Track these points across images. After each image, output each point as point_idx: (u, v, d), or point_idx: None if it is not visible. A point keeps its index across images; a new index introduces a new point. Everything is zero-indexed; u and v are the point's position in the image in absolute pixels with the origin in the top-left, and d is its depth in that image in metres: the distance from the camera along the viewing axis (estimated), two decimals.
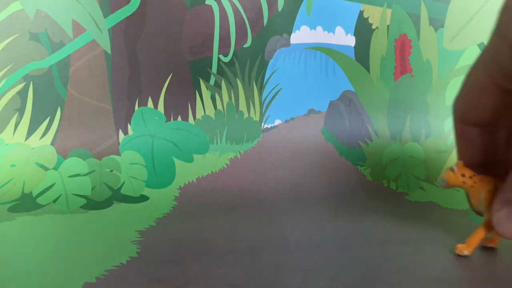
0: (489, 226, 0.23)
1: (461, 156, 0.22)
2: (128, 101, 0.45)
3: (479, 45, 0.49)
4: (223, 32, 0.47)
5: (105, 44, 0.44)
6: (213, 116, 0.47)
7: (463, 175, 0.22)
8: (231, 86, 0.48)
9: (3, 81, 0.41)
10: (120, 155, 0.43)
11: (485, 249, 0.25)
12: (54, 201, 0.37)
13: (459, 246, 0.24)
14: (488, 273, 0.22)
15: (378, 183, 0.44)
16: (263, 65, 0.49)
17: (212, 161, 0.45)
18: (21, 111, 0.42)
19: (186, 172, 0.43)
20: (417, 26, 0.50)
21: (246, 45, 0.48)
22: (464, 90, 0.19)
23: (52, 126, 0.43)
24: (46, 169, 0.40)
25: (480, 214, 0.24)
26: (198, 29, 0.46)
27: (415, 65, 0.50)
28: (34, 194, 0.38)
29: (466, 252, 0.23)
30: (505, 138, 0.22)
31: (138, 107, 0.45)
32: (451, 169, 0.23)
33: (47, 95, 0.43)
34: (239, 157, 0.46)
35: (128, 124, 0.44)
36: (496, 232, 0.24)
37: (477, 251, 0.25)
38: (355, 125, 0.50)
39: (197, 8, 0.46)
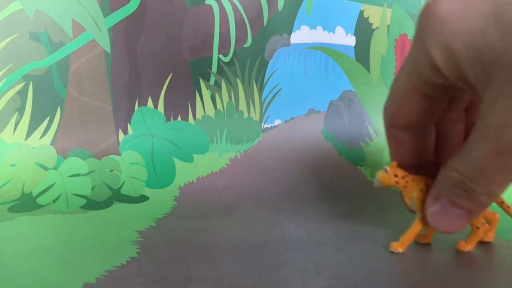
0: (421, 224, 0.23)
1: (393, 157, 0.23)
2: (128, 101, 0.45)
3: None
4: (223, 32, 0.47)
5: (105, 44, 0.44)
6: (213, 116, 0.47)
7: (396, 176, 0.23)
8: (231, 86, 0.48)
9: (3, 81, 0.41)
10: (120, 155, 0.43)
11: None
12: (54, 201, 0.37)
13: (393, 244, 0.24)
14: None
15: None
16: (263, 65, 0.49)
17: (212, 161, 0.44)
18: (21, 111, 0.42)
19: (186, 172, 0.43)
20: None
21: (246, 45, 0.48)
22: (391, 96, 0.20)
23: (52, 126, 0.43)
24: (46, 169, 0.40)
25: (413, 212, 0.24)
26: (198, 29, 0.46)
27: None
28: (34, 194, 0.38)
29: (400, 250, 0.24)
30: (434, 140, 0.22)
31: (138, 107, 0.45)
32: (385, 170, 0.23)
33: (47, 95, 0.43)
34: (239, 157, 0.46)
35: (128, 124, 0.44)
36: (430, 228, 0.25)
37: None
38: (355, 125, 0.50)
39: (197, 8, 0.46)
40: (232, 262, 0.24)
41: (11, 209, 0.35)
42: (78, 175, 0.40)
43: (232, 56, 0.48)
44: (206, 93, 0.47)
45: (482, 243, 0.26)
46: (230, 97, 0.48)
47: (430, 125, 0.21)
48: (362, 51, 0.51)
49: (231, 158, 0.46)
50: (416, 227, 0.24)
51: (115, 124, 0.44)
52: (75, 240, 0.28)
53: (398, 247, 0.24)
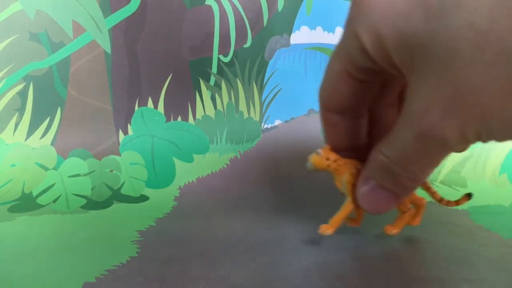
0: (351, 207, 0.23)
1: (327, 141, 0.23)
2: (128, 101, 0.45)
3: None
4: (223, 32, 0.47)
5: (105, 44, 0.44)
6: (213, 116, 0.47)
7: (327, 159, 0.23)
8: (231, 86, 0.48)
9: (3, 81, 0.42)
10: (120, 155, 0.43)
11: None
12: (54, 201, 0.37)
13: (322, 226, 0.24)
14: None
15: None
16: (263, 65, 0.49)
17: (212, 161, 0.45)
18: (21, 111, 0.42)
19: (186, 172, 0.43)
20: None
21: (246, 45, 0.48)
22: (324, 79, 0.20)
23: (52, 126, 0.43)
24: (46, 169, 0.40)
25: (344, 195, 0.24)
26: (198, 29, 0.46)
27: None
28: (34, 194, 0.38)
29: (328, 232, 0.24)
30: (367, 124, 0.23)
31: (138, 107, 0.45)
32: (317, 153, 0.24)
33: (47, 95, 0.43)
34: (239, 157, 0.46)
35: (128, 124, 0.44)
36: (359, 211, 0.26)
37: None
38: None
39: (197, 8, 0.46)
40: (232, 262, 0.24)
41: (11, 209, 0.35)
42: (78, 175, 0.40)
43: (232, 57, 0.48)
44: (206, 93, 0.47)
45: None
46: (230, 98, 0.48)
47: (363, 109, 0.21)
48: None
49: (231, 158, 0.46)
50: (345, 210, 0.24)
51: (115, 124, 0.44)
52: (75, 240, 0.28)
53: (327, 229, 0.24)
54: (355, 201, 0.23)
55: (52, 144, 0.42)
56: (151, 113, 0.45)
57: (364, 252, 0.25)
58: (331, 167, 0.23)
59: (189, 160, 0.44)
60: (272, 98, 0.50)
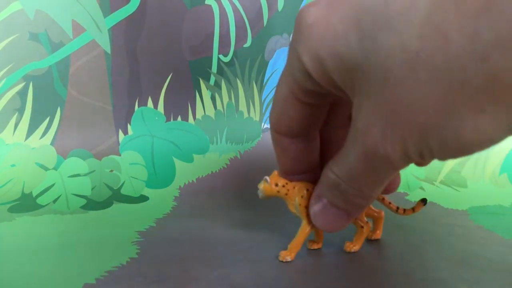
0: (308, 229, 0.23)
1: (279, 164, 0.23)
2: (128, 101, 0.45)
3: None
4: (223, 32, 0.47)
5: (105, 44, 0.44)
6: (213, 116, 0.47)
7: (276, 185, 0.24)
8: (231, 86, 0.48)
9: (3, 81, 0.41)
10: (120, 155, 0.43)
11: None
12: (54, 201, 0.37)
13: (282, 252, 0.24)
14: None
15: None
16: (263, 65, 0.49)
17: (212, 161, 0.44)
18: (21, 111, 0.42)
19: (186, 172, 0.43)
20: None
21: (246, 45, 0.48)
22: (274, 102, 0.20)
23: (52, 126, 0.43)
24: (46, 169, 0.40)
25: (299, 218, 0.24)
26: (198, 29, 0.46)
27: None
28: (34, 194, 0.38)
29: (288, 258, 0.24)
30: (319, 146, 0.22)
31: (138, 107, 0.45)
32: (265, 180, 0.24)
33: (47, 95, 0.43)
34: (239, 157, 0.46)
35: (128, 124, 0.44)
36: (318, 233, 0.25)
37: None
38: None
39: (197, 8, 0.46)
40: (232, 262, 0.24)
41: (11, 209, 0.35)
42: (78, 175, 0.40)
43: (232, 56, 0.48)
44: (206, 93, 0.47)
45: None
46: (230, 97, 0.48)
47: (314, 132, 0.21)
48: None
49: (231, 158, 0.46)
50: (302, 233, 0.24)
51: (115, 124, 0.44)
52: (75, 240, 0.28)
53: (287, 255, 0.24)
54: (310, 221, 0.23)
55: (52, 144, 0.42)
56: (151, 113, 0.45)
57: (364, 252, 0.25)
58: (281, 192, 0.24)
59: (189, 160, 0.44)
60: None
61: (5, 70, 0.42)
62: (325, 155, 0.23)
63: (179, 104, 0.46)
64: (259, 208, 0.36)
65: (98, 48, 0.44)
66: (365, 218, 0.25)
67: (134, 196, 0.39)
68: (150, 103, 0.45)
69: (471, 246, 0.26)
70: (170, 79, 0.46)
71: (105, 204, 0.37)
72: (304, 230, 0.24)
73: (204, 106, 0.47)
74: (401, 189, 0.43)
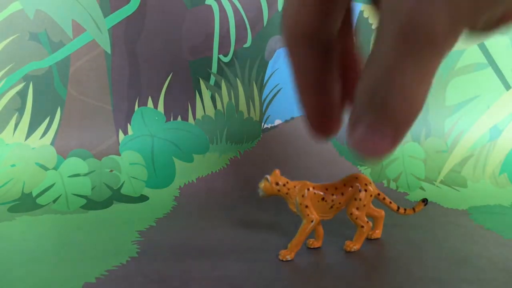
0: (308, 229, 0.24)
1: (294, 82, 0.21)
2: (128, 101, 0.45)
3: (479, 45, 0.49)
4: (223, 32, 0.47)
5: (105, 44, 0.44)
6: (213, 116, 0.47)
7: (277, 184, 0.24)
8: (231, 86, 0.48)
9: (3, 81, 0.41)
10: (120, 155, 0.43)
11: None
12: (54, 201, 0.37)
13: (282, 252, 0.24)
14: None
15: (378, 183, 0.44)
16: (263, 65, 0.49)
17: (212, 161, 0.44)
18: (21, 111, 0.42)
19: (186, 172, 0.43)
20: None
21: (246, 45, 0.48)
22: (287, 1, 0.18)
23: (52, 126, 0.43)
24: (46, 169, 0.40)
25: (299, 216, 0.24)
26: (198, 29, 0.46)
27: None
28: (34, 194, 0.38)
29: (288, 257, 0.24)
30: (338, 62, 0.20)
31: (138, 107, 0.45)
32: (266, 179, 0.24)
33: (47, 95, 0.43)
34: (239, 157, 0.46)
35: (128, 124, 0.44)
36: (319, 231, 0.25)
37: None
38: None
39: (197, 8, 0.46)
40: (232, 262, 0.23)
41: (11, 209, 0.35)
42: (78, 175, 0.40)
43: (232, 56, 0.48)
44: (206, 93, 0.47)
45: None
46: (230, 97, 0.48)
47: (333, 36, 0.19)
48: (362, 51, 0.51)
49: (231, 158, 0.46)
50: (302, 233, 0.24)
51: (115, 124, 0.44)
52: (75, 240, 0.28)
53: (287, 254, 0.24)
54: (310, 220, 0.23)
55: (52, 144, 0.42)
56: (151, 113, 0.45)
57: (364, 252, 0.25)
58: (281, 191, 0.24)
59: (189, 160, 0.44)
60: (272, 98, 0.50)
61: (5, 70, 0.42)
62: (349, 78, 0.21)
63: (179, 104, 0.46)
64: (259, 208, 0.36)
65: (98, 48, 0.44)
66: (366, 218, 0.25)
67: (134, 196, 0.39)
68: (150, 103, 0.45)
69: (471, 246, 0.26)
70: (170, 79, 0.46)
71: (105, 204, 0.37)
72: (304, 229, 0.24)
73: (204, 106, 0.47)
74: (401, 189, 0.43)
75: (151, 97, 0.45)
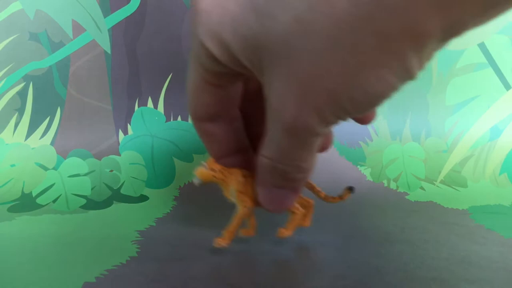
0: (243, 216, 0.24)
1: (208, 151, 0.23)
2: (128, 101, 0.45)
3: (479, 45, 0.49)
4: None
5: (105, 44, 0.44)
6: None
7: (213, 170, 0.24)
8: None
9: (3, 81, 0.41)
10: (120, 155, 0.43)
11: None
12: (54, 201, 0.37)
13: (216, 239, 0.24)
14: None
15: (378, 183, 0.44)
16: None
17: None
18: (21, 111, 0.42)
19: (186, 172, 0.43)
20: None
21: None
22: (188, 90, 0.20)
23: (52, 126, 0.43)
24: (46, 169, 0.40)
25: (235, 204, 0.25)
26: None
27: None
28: (34, 194, 0.38)
29: (223, 244, 0.24)
30: (242, 126, 0.23)
31: (138, 107, 0.45)
32: (202, 165, 0.24)
33: (47, 95, 0.43)
34: None
35: (128, 124, 0.44)
36: (252, 220, 0.26)
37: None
38: (355, 125, 0.50)
39: None
40: (232, 262, 0.23)
41: (11, 209, 0.35)
42: (78, 175, 0.40)
43: None
44: None
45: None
46: None
47: (234, 111, 0.21)
48: None
49: None
50: (237, 219, 0.24)
51: (115, 124, 0.44)
52: (75, 240, 0.28)
53: (222, 241, 0.24)
54: (245, 207, 0.23)
55: (52, 144, 0.42)
56: (151, 113, 0.45)
57: (364, 252, 0.25)
58: (217, 177, 0.24)
59: (189, 160, 0.44)
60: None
61: (5, 70, 0.42)
62: (252, 130, 0.23)
63: (179, 104, 0.46)
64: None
65: (98, 48, 0.44)
66: (298, 205, 0.25)
67: (134, 196, 0.39)
68: (150, 103, 0.45)
69: (471, 246, 0.26)
70: (170, 79, 0.46)
71: (105, 204, 0.37)
72: (239, 216, 0.24)
73: None
74: (401, 189, 0.43)
75: (151, 97, 0.45)
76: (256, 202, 0.23)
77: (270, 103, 0.16)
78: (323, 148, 0.23)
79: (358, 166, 0.46)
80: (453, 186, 0.42)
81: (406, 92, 0.49)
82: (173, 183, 0.42)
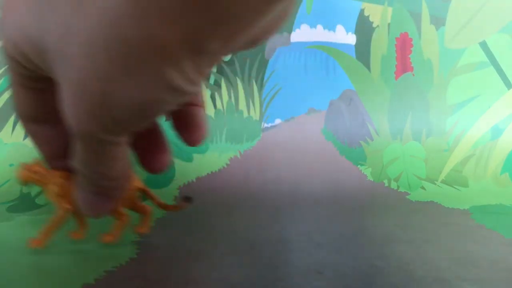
0: (60, 218, 0.23)
1: (40, 153, 0.23)
2: None
3: (480, 44, 0.48)
4: None
5: None
6: (212, 115, 0.47)
7: (31, 171, 0.23)
8: (231, 85, 0.48)
9: (1, 81, 0.41)
10: None
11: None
12: None
13: (31, 240, 0.24)
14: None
15: (379, 183, 0.43)
16: (263, 64, 0.49)
17: (212, 160, 0.44)
18: None
19: (186, 172, 0.43)
20: (418, 25, 0.50)
21: None
22: (12, 91, 0.20)
23: None
24: None
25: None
26: None
27: (416, 64, 0.50)
28: (33, 194, 0.38)
29: (38, 246, 0.24)
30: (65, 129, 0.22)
31: None
32: (22, 166, 0.23)
33: None
34: (239, 156, 0.46)
35: None
36: (82, 223, 0.26)
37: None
38: (355, 124, 0.50)
39: None
40: (232, 262, 0.23)
41: (10, 209, 0.35)
42: None
43: (232, 55, 0.47)
44: (205, 92, 0.47)
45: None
46: (229, 96, 0.48)
47: (58, 115, 0.21)
48: (362, 50, 0.51)
49: (230, 157, 0.45)
50: (54, 221, 0.24)
51: None
52: (74, 241, 0.27)
53: (36, 243, 0.24)
54: (62, 209, 0.23)
55: None
56: None
57: (365, 252, 0.25)
58: (35, 179, 0.23)
59: (189, 159, 0.44)
60: (272, 97, 0.50)
61: (4, 68, 0.41)
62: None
63: None
64: (259, 208, 0.35)
65: None
66: (125, 210, 0.25)
67: None
68: None
69: (472, 245, 0.26)
70: None
71: None
72: (56, 218, 0.24)
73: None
74: (402, 188, 0.42)
75: None
76: (76, 206, 0.23)
77: (61, 106, 0.15)
78: (194, 140, 0.22)
79: (359, 166, 0.46)
80: (454, 186, 0.42)
81: (407, 91, 0.49)
82: (173, 183, 0.42)
